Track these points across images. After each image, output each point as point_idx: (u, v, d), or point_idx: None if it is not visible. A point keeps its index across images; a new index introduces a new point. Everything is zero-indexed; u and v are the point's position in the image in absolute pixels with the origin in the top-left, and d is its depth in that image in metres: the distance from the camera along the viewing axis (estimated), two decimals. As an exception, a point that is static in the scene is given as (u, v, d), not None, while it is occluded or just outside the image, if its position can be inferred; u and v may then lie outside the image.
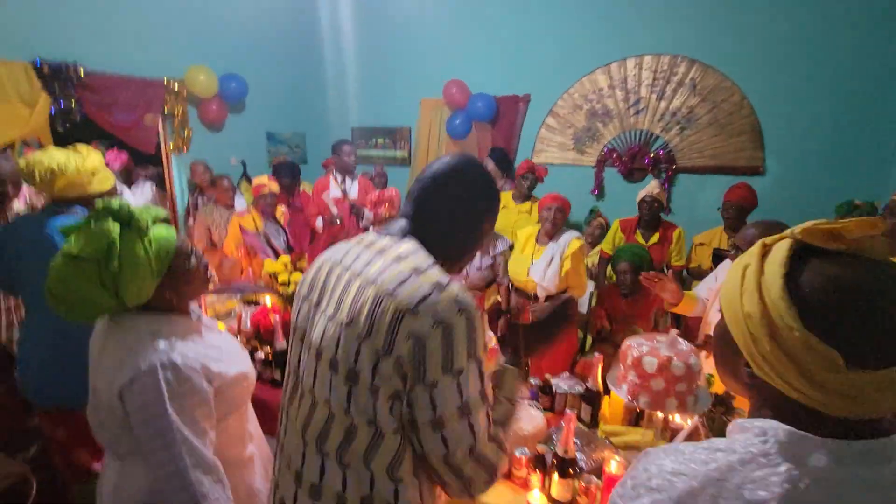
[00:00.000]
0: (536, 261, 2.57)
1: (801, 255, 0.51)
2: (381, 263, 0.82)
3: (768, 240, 0.55)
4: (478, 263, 2.75)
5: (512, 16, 4.38)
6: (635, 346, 1.32)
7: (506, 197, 3.67)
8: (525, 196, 3.55)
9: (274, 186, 3.13)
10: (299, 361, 0.91)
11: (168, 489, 0.97)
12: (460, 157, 0.92)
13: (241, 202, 3.80)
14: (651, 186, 3.06)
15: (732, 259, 1.60)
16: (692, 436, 1.38)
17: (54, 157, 1.59)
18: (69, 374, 1.56)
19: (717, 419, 1.35)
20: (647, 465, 0.57)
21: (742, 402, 1.46)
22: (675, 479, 0.52)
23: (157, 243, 1.03)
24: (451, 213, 0.88)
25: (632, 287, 2.60)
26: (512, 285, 2.77)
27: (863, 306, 0.46)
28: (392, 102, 5.24)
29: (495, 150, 4.09)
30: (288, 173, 3.77)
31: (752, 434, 0.52)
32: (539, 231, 2.67)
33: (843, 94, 3.24)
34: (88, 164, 1.65)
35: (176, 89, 4.23)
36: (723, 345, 0.60)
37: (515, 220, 3.53)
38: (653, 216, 3.06)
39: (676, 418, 1.59)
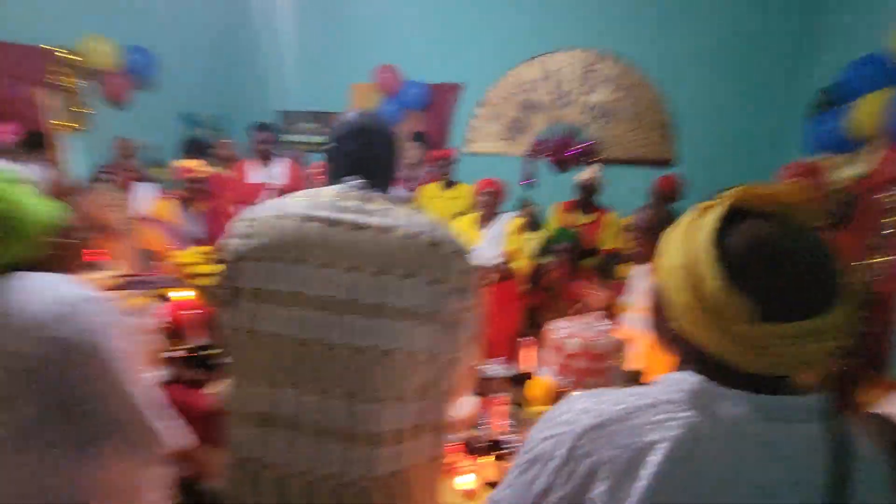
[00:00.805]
0: (478, 245, 2.63)
1: (735, 215, 0.53)
2: (406, 216, 0.90)
3: (706, 203, 0.57)
4: None
5: (445, 2, 4.35)
6: (558, 328, 1.38)
7: (433, 189, 3.68)
8: (449, 182, 3.58)
9: (206, 170, 2.89)
10: (302, 327, 0.86)
11: (131, 404, 0.94)
12: (365, 113, 1.04)
13: (146, 188, 3.43)
14: (591, 171, 3.25)
15: (632, 238, 1.71)
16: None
17: None
18: None
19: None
20: (563, 404, 0.59)
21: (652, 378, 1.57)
22: (582, 416, 0.54)
23: (42, 199, 0.99)
24: (392, 161, 1.01)
25: (569, 267, 2.73)
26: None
27: (778, 263, 0.49)
28: (322, 85, 5.01)
29: (418, 134, 4.10)
30: (197, 152, 3.46)
31: (666, 384, 0.55)
32: (479, 217, 2.75)
33: (745, 92, 3.58)
34: None
35: (68, 59, 3.75)
36: (654, 304, 0.62)
37: (443, 206, 3.55)
38: (588, 199, 3.22)
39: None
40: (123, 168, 3.30)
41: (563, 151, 4.16)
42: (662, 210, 1.68)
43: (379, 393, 0.85)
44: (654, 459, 0.49)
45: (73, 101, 3.89)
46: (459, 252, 0.90)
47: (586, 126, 4.06)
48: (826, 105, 2.73)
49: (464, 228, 2.80)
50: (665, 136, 3.84)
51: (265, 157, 3.55)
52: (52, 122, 3.87)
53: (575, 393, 0.60)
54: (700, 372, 0.54)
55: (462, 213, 3.51)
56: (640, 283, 1.90)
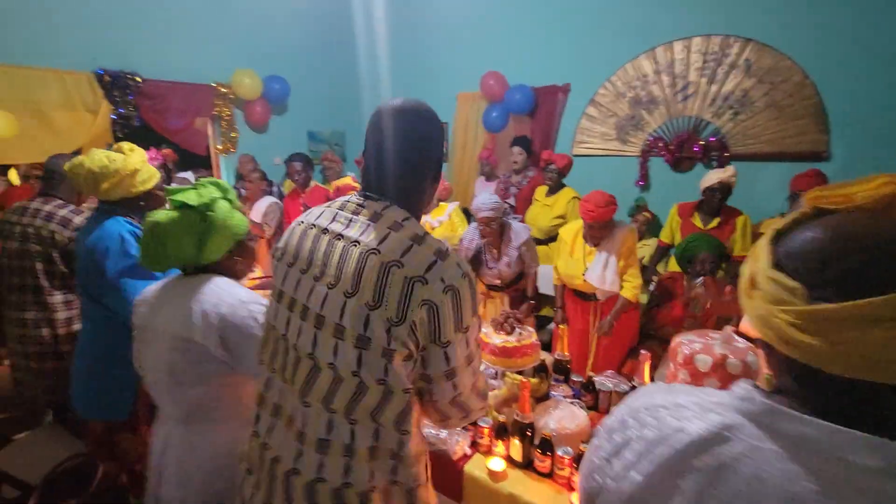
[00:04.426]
0: (591, 264, 2.45)
1: (813, 216, 0.52)
2: (380, 231, 0.84)
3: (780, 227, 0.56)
4: (506, 259, 2.69)
5: (550, 2, 4.26)
6: (686, 343, 1.25)
7: (539, 192, 3.59)
8: (553, 189, 3.45)
9: (358, 186, 3.18)
10: (287, 326, 0.90)
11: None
12: (410, 102, 0.91)
13: (266, 200, 3.82)
14: (726, 171, 2.79)
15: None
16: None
17: (96, 159, 1.58)
18: (105, 387, 1.66)
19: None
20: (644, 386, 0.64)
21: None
22: (640, 397, 0.61)
23: (239, 217, 1.27)
24: (412, 162, 0.89)
25: (711, 275, 2.38)
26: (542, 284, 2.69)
27: (829, 245, 0.47)
28: (429, 97, 5.08)
29: (519, 138, 4.03)
30: (302, 160, 3.72)
31: (729, 392, 0.55)
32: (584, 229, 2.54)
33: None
34: (129, 164, 1.62)
35: (223, 92, 4.41)
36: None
37: (538, 212, 3.44)
38: (719, 201, 2.82)
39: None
40: (249, 181, 3.75)
41: (683, 149, 3.80)
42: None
43: (332, 405, 0.84)
44: (681, 439, 0.51)
45: (226, 128, 4.57)
46: (418, 280, 0.78)
47: (713, 119, 3.66)
48: None
49: (565, 237, 2.62)
50: (815, 126, 3.29)
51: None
52: (211, 146, 4.59)
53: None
54: (784, 383, 0.51)
55: (561, 217, 3.37)
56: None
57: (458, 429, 1.55)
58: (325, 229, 0.89)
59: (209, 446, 1.18)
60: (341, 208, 0.91)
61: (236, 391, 1.20)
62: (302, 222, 0.95)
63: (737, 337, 1.27)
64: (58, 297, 2.06)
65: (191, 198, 1.19)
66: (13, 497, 1.76)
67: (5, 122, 3.21)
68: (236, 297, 1.16)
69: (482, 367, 0.99)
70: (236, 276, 1.30)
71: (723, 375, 1.18)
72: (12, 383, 2.20)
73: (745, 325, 1.53)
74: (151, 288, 1.28)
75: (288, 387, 0.91)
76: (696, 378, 1.19)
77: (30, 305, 2.04)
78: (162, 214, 1.17)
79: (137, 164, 1.66)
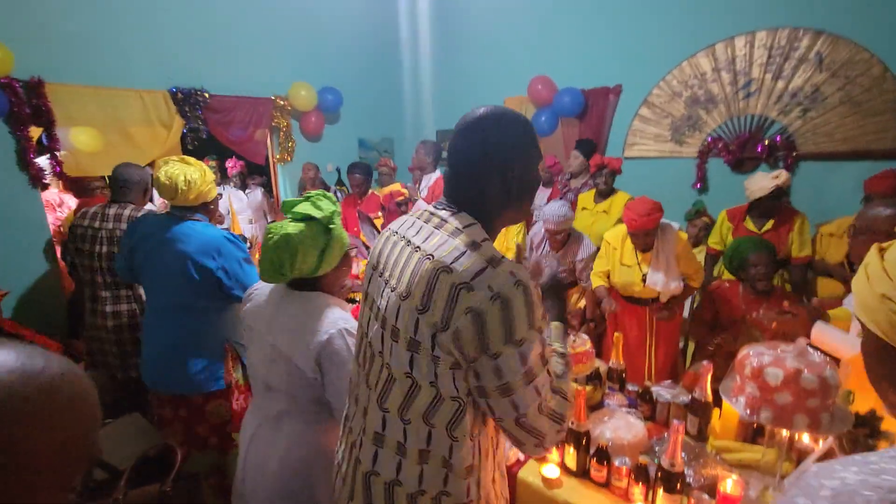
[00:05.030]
0: (649, 269, 2.39)
1: None
2: (440, 237, 0.85)
3: (885, 244, 0.54)
4: (555, 267, 2.66)
5: (600, 2, 4.18)
6: (755, 354, 1.19)
7: (585, 198, 3.49)
8: (605, 194, 3.35)
9: (405, 192, 3.29)
10: (368, 324, 0.97)
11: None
12: (486, 109, 0.90)
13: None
14: (776, 178, 2.59)
15: (851, 244, 1.44)
16: (825, 458, 1.22)
17: (187, 172, 1.77)
18: (179, 363, 1.79)
19: (860, 441, 1.17)
20: (822, 479, 0.47)
21: (891, 425, 1.25)
22: (867, 493, 0.43)
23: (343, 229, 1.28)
24: (473, 169, 0.88)
25: (769, 281, 2.22)
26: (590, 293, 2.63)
27: None
28: (476, 103, 5.17)
29: (581, 141, 3.92)
30: (363, 172, 3.86)
31: None
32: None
33: None
34: (209, 175, 1.85)
35: (281, 104, 4.64)
36: (874, 355, 0.54)
37: (593, 221, 3.32)
38: (772, 205, 2.65)
39: (805, 438, 1.41)
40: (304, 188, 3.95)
41: (745, 149, 3.61)
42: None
43: (386, 403, 0.90)
44: None
45: (283, 138, 4.80)
46: (464, 287, 0.77)
47: (779, 117, 3.46)
48: None
49: (613, 241, 2.53)
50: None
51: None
52: (270, 156, 4.84)
53: (821, 466, 0.48)
54: None
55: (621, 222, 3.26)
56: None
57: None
58: (403, 236, 0.94)
59: (292, 444, 1.21)
60: (419, 216, 0.94)
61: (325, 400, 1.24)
62: (389, 229, 1.01)
63: (811, 350, 1.19)
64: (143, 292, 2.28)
65: (313, 210, 1.20)
66: (103, 479, 1.93)
67: (93, 138, 3.55)
68: (339, 327, 1.17)
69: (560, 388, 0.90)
70: (340, 284, 1.33)
71: (796, 391, 1.12)
72: (93, 375, 2.42)
73: (819, 338, 1.45)
74: (263, 289, 1.31)
75: (364, 381, 0.98)
76: (766, 391, 1.14)
77: (123, 300, 2.25)
78: (291, 227, 1.16)
79: (211, 177, 1.88)
